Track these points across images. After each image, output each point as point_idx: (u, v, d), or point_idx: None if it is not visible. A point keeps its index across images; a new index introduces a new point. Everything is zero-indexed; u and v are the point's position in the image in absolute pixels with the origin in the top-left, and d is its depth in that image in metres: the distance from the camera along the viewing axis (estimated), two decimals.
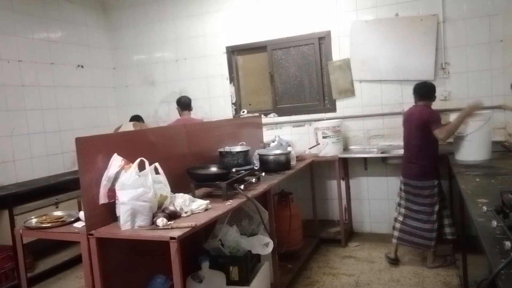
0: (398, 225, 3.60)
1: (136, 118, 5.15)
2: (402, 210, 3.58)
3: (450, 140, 3.47)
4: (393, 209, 3.87)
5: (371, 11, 4.35)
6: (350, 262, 3.84)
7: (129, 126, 4.69)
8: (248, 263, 2.80)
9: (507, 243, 1.27)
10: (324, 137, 4.23)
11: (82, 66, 5.20)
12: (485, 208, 1.68)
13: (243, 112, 4.70)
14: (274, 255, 3.11)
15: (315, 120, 4.65)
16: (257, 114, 4.64)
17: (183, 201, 2.31)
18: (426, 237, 3.43)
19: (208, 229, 2.84)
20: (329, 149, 4.23)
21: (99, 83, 5.47)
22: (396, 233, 3.60)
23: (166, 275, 2.24)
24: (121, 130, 4.63)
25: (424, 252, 3.63)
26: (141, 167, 2.22)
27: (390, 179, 4.40)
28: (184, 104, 4.53)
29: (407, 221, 3.53)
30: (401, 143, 3.71)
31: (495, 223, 1.48)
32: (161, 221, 2.06)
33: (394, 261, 3.67)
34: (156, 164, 2.31)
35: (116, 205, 2.16)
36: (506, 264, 1.16)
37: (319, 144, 4.35)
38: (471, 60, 4.05)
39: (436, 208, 3.42)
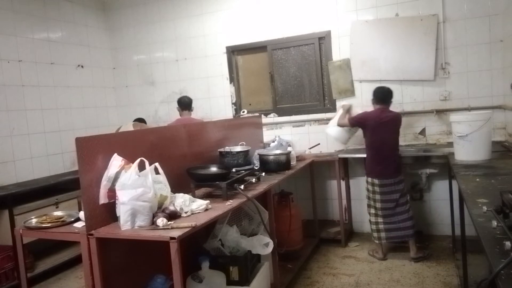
0: (381, 226, 3.69)
1: (140, 120, 5.11)
2: (380, 212, 3.68)
3: (450, 140, 3.48)
4: None
5: (371, 11, 4.35)
6: (350, 262, 3.84)
7: (129, 127, 4.67)
8: (248, 263, 2.80)
9: (507, 243, 1.27)
10: None
11: (82, 66, 5.19)
12: (485, 208, 1.68)
13: (243, 112, 4.70)
14: (274, 255, 3.10)
15: (315, 120, 4.66)
16: (257, 114, 4.64)
17: (183, 201, 2.32)
18: (408, 226, 3.66)
19: (208, 229, 2.84)
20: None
21: (99, 83, 5.47)
22: (382, 234, 3.70)
23: (166, 275, 2.24)
24: (121, 130, 4.62)
25: (406, 244, 3.76)
26: (141, 167, 2.22)
27: None
28: (184, 104, 4.53)
29: (390, 220, 3.66)
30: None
31: (495, 223, 1.48)
32: (161, 221, 2.06)
33: (383, 259, 3.79)
34: (156, 164, 2.31)
35: (116, 205, 2.16)
36: (506, 264, 1.16)
37: (319, 144, 4.35)
38: (471, 60, 4.05)
39: (408, 196, 3.76)
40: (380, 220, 3.68)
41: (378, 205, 3.67)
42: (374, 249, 3.90)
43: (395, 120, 3.70)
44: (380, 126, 3.63)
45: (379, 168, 3.64)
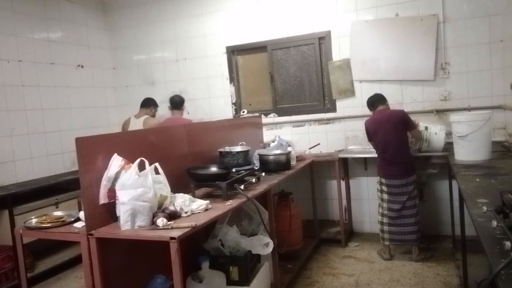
0: (386, 227, 3.69)
1: (148, 101, 4.65)
2: (386, 212, 3.68)
3: (450, 140, 3.48)
4: None
5: (371, 11, 4.35)
6: (350, 262, 3.84)
7: (139, 123, 4.44)
8: (248, 263, 2.80)
9: (507, 243, 1.27)
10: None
11: (82, 66, 5.19)
12: (485, 208, 1.68)
13: (243, 112, 4.70)
14: (274, 255, 3.10)
15: (315, 120, 4.66)
16: (257, 114, 4.64)
17: (183, 201, 2.31)
18: (412, 231, 3.62)
19: (208, 229, 2.84)
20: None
21: (99, 83, 5.47)
22: (386, 236, 3.70)
23: (166, 275, 2.24)
24: (131, 126, 4.45)
25: (409, 246, 3.75)
26: (141, 167, 2.22)
27: None
28: (174, 103, 4.56)
29: (394, 222, 3.65)
30: None
31: (495, 223, 1.48)
32: (161, 221, 2.06)
33: (389, 259, 3.78)
34: (156, 164, 2.31)
35: (116, 205, 2.16)
36: (506, 264, 1.16)
37: (319, 144, 4.34)
38: (471, 60, 4.05)
39: (417, 200, 3.70)
40: (385, 221, 3.68)
41: (385, 205, 3.67)
42: (381, 249, 3.90)
43: (392, 117, 3.62)
44: (377, 127, 3.65)
45: (387, 168, 3.65)
